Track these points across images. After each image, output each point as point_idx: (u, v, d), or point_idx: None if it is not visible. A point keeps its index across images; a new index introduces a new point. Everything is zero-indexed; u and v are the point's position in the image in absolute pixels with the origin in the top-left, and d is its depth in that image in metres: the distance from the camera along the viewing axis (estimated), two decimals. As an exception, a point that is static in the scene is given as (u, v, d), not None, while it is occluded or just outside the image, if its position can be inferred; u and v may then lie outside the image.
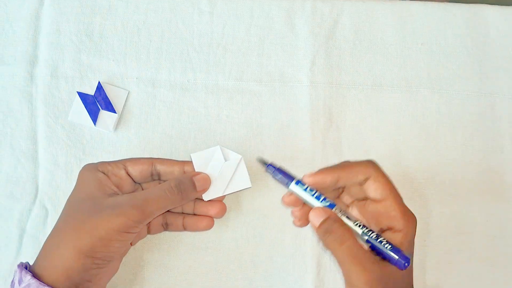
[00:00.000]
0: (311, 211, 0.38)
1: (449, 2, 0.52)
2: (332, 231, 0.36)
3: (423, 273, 0.46)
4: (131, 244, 0.41)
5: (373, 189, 0.38)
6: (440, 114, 0.49)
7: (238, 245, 0.46)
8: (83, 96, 0.47)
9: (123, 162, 0.41)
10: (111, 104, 0.47)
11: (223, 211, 0.43)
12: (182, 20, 0.49)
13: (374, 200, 0.38)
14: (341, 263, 0.36)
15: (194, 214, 0.43)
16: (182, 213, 0.43)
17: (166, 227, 0.43)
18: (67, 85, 0.48)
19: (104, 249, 0.36)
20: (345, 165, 0.39)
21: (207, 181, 0.41)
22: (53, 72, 0.48)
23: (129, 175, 0.41)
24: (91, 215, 0.37)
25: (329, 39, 0.50)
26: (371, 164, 0.38)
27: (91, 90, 0.47)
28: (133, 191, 0.41)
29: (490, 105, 0.49)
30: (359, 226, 0.38)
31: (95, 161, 0.47)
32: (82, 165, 0.46)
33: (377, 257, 0.36)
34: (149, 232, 0.43)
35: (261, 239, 0.46)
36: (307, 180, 0.38)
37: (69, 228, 0.37)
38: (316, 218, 0.37)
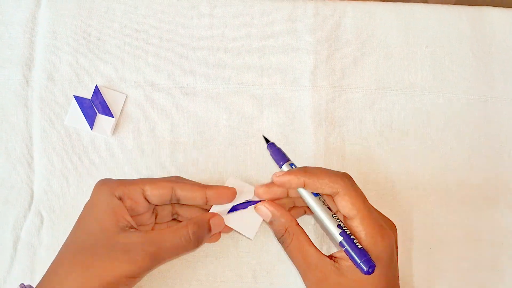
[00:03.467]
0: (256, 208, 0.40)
1: (454, 4, 0.51)
2: (278, 236, 0.39)
3: (428, 280, 0.45)
4: None
5: (341, 206, 0.36)
6: (445, 118, 0.48)
7: (238, 253, 0.45)
8: (80, 100, 0.46)
9: (141, 185, 0.38)
10: (108, 108, 0.46)
11: (231, 228, 0.42)
12: (181, 22, 0.49)
13: (345, 217, 0.37)
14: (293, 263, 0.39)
15: None
16: None
17: None
18: (64, 88, 0.47)
19: None
20: (315, 172, 0.37)
21: (221, 224, 0.40)
22: (50, 76, 0.47)
23: (145, 198, 0.39)
24: (102, 255, 0.35)
25: (331, 42, 0.49)
26: (342, 178, 0.37)
27: (88, 94, 0.46)
28: (146, 212, 0.40)
29: (496, 109, 0.49)
30: (336, 219, 0.37)
31: (92, 167, 0.46)
32: (79, 171, 0.46)
33: (325, 257, 0.37)
34: None
35: (263, 247, 0.45)
36: (275, 179, 0.38)
37: (78, 266, 0.35)
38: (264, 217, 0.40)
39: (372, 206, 0.38)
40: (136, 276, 0.36)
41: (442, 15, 0.50)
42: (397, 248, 0.38)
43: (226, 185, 0.41)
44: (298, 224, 0.39)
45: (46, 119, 0.46)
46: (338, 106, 0.48)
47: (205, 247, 0.45)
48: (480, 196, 0.47)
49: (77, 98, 0.46)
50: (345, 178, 0.37)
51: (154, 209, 0.41)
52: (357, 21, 0.49)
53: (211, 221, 0.39)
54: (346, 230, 0.36)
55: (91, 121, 0.46)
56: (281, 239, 0.39)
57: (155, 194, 0.38)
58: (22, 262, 0.44)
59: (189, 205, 0.41)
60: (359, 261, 0.35)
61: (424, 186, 0.47)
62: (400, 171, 0.47)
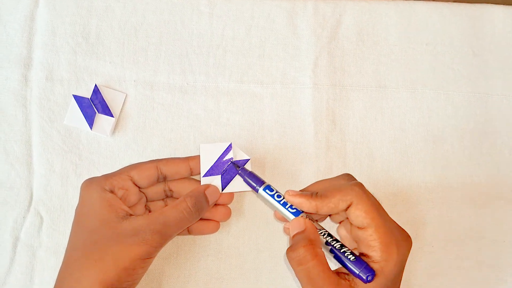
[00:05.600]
0: (289, 223, 0.37)
1: (454, 2, 0.51)
2: (295, 250, 0.34)
3: (430, 278, 0.45)
4: None
5: (354, 216, 0.35)
6: (446, 116, 0.48)
7: (239, 252, 0.44)
8: (79, 100, 0.46)
9: (127, 172, 0.39)
10: (108, 107, 0.46)
11: (228, 215, 0.43)
12: (181, 21, 0.48)
13: (357, 227, 0.36)
14: (301, 283, 0.35)
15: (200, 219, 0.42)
16: None
17: None
18: (63, 88, 0.46)
19: (129, 278, 0.35)
20: (325, 194, 0.36)
21: (217, 193, 0.41)
22: (48, 75, 0.47)
23: (134, 183, 0.39)
24: (112, 244, 0.35)
25: (332, 40, 0.49)
26: (352, 188, 0.35)
27: (87, 93, 0.46)
28: (139, 199, 0.40)
29: (497, 107, 0.49)
30: (323, 235, 0.36)
31: (92, 167, 0.46)
32: (78, 171, 0.45)
33: (342, 280, 0.34)
34: None
35: (264, 246, 0.45)
36: (288, 198, 0.37)
37: (91, 260, 0.35)
38: (291, 231, 0.36)
39: (388, 216, 0.36)
40: (150, 256, 0.36)
41: (443, 13, 0.50)
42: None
43: (200, 152, 0.42)
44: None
45: (45, 118, 0.46)
46: (339, 104, 0.48)
47: (206, 247, 0.44)
48: (481, 194, 0.47)
49: (77, 98, 0.46)
50: (356, 187, 0.35)
51: (144, 199, 0.42)
52: (358, 18, 0.49)
53: (206, 192, 0.40)
54: (334, 245, 0.36)
55: (90, 121, 0.45)
56: (298, 256, 0.35)
57: (142, 177, 0.39)
58: (21, 263, 0.44)
59: (178, 179, 0.42)
60: (357, 272, 0.34)
61: (425, 184, 0.47)
62: (401, 169, 0.47)
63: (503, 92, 0.49)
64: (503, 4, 0.50)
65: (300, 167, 0.46)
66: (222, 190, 0.41)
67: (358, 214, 0.35)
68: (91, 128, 0.45)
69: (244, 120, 0.47)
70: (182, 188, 0.42)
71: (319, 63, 0.48)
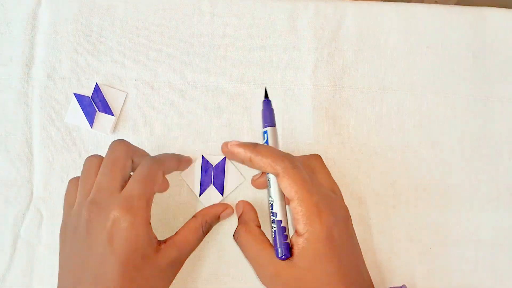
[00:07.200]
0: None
1: (455, 4, 0.51)
2: (236, 230, 0.41)
3: (428, 281, 0.45)
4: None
5: (282, 187, 0.36)
6: (446, 119, 0.48)
7: (239, 252, 0.44)
8: (80, 98, 0.46)
9: (155, 178, 0.37)
10: (108, 106, 0.46)
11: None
12: (182, 20, 0.48)
13: (287, 199, 0.37)
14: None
15: None
16: None
17: None
18: (64, 86, 0.47)
19: None
20: (262, 151, 0.37)
21: (230, 214, 0.43)
22: (50, 73, 0.47)
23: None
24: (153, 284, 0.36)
25: (333, 42, 0.49)
26: (283, 159, 0.36)
27: (88, 92, 0.46)
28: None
29: (496, 109, 0.49)
30: (269, 203, 0.39)
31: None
32: (78, 169, 0.45)
33: (267, 246, 0.38)
34: None
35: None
36: (228, 146, 0.39)
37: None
38: (236, 213, 0.43)
39: (316, 188, 0.36)
40: None
41: (443, 16, 0.50)
42: (350, 229, 0.38)
43: (185, 180, 0.45)
44: (255, 218, 0.42)
45: (46, 116, 0.46)
46: (339, 106, 0.48)
47: (206, 247, 0.44)
48: (480, 197, 0.47)
49: (77, 96, 0.46)
50: (287, 160, 0.36)
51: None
52: (358, 20, 0.49)
53: (221, 216, 0.42)
54: (275, 214, 0.38)
55: (91, 119, 0.45)
56: (236, 233, 0.40)
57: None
58: (21, 261, 0.44)
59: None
60: (277, 247, 0.36)
61: (424, 186, 0.47)
62: (400, 171, 0.47)
63: (502, 95, 0.49)
64: (504, 7, 0.50)
65: (299, 168, 0.46)
66: (223, 196, 0.43)
67: (284, 187, 0.36)
68: (91, 127, 0.45)
69: (244, 120, 0.47)
70: None
71: (320, 64, 0.48)
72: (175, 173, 0.45)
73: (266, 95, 0.43)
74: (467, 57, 0.49)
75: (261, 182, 0.42)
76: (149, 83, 0.47)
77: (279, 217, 0.38)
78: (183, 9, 0.48)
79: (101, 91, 0.46)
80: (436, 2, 0.52)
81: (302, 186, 0.35)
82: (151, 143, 0.46)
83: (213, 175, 0.44)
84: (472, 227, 0.46)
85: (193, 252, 0.44)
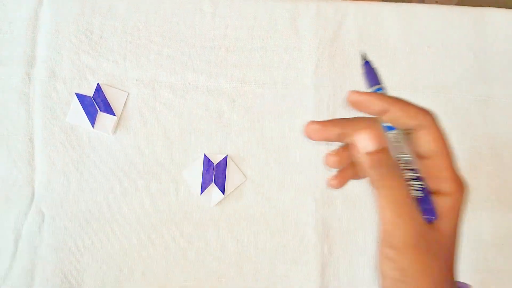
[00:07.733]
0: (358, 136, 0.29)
1: (456, 5, 0.51)
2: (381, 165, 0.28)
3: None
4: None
5: (425, 140, 0.30)
6: (447, 118, 0.48)
7: (239, 251, 0.45)
8: (81, 98, 0.46)
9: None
10: (110, 106, 0.46)
11: None
12: (183, 21, 0.48)
13: (422, 156, 0.31)
14: (379, 209, 0.29)
15: None
16: None
17: None
18: (65, 86, 0.47)
19: None
20: (401, 100, 0.30)
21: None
22: (51, 73, 0.47)
23: None
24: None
25: (334, 42, 0.49)
26: (427, 110, 0.30)
27: (89, 92, 0.46)
28: None
29: (497, 109, 0.49)
30: (403, 160, 0.31)
31: (93, 165, 0.46)
32: (80, 168, 0.46)
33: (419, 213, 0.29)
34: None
35: (263, 246, 0.45)
36: (352, 97, 0.29)
37: None
38: (365, 146, 0.28)
39: None
40: None
41: (444, 16, 0.50)
42: None
43: (187, 180, 0.44)
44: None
45: (48, 116, 0.46)
46: (340, 106, 0.48)
47: (206, 247, 0.45)
48: (480, 197, 0.47)
49: (79, 96, 0.46)
50: (431, 114, 0.30)
51: None
52: (359, 21, 0.49)
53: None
54: (417, 171, 0.30)
55: (92, 119, 0.46)
56: (378, 175, 0.28)
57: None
58: (23, 259, 0.44)
59: None
60: (428, 206, 0.29)
61: (425, 186, 0.47)
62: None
63: (503, 94, 0.49)
64: (504, 8, 0.50)
65: (300, 167, 0.46)
66: (224, 194, 0.43)
67: (428, 140, 0.30)
68: (93, 126, 0.46)
69: (245, 120, 0.47)
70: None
71: (321, 64, 0.48)
72: (175, 173, 0.45)
73: (363, 58, 0.32)
74: (467, 57, 0.49)
75: (336, 161, 0.31)
76: (151, 83, 0.47)
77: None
78: (185, 9, 0.49)
79: (102, 91, 0.46)
80: (436, 2, 0.52)
81: (447, 140, 0.30)
82: (152, 143, 0.46)
83: (215, 174, 0.44)
84: (472, 227, 0.46)
85: (192, 252, 0.44)
